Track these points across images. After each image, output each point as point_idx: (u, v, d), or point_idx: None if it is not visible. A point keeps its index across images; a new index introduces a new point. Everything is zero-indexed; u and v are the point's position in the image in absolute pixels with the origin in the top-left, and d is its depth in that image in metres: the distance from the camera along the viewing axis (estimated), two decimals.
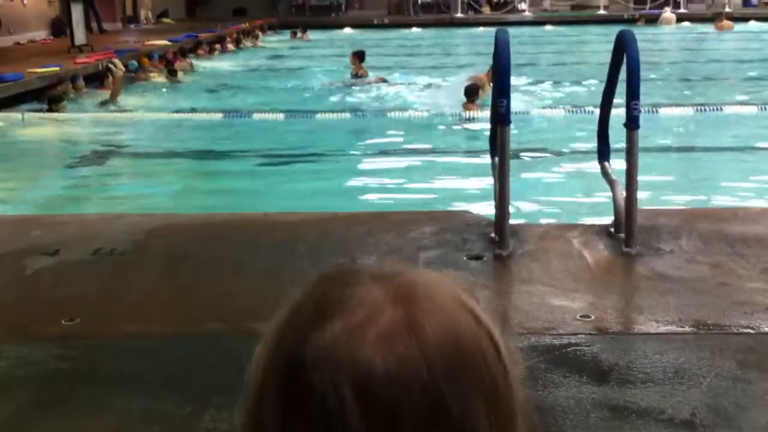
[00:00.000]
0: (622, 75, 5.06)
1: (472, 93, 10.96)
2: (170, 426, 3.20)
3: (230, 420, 2.92)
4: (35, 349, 3.94)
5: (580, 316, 4.08)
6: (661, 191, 7.08)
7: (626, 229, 4.98)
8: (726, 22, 26.29)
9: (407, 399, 0.67)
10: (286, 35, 27.61)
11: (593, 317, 4.07)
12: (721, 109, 10.62)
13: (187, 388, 3.47)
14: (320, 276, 0.76)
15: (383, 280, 0.72)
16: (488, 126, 5.49)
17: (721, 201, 6.93)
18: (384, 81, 14.15)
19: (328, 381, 0.68)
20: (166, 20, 30.24)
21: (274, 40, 27.19)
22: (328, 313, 0.71)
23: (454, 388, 0.68)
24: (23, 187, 8.24)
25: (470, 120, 10.30)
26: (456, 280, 0.75)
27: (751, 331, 3.91)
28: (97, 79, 13.66)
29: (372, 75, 14.50)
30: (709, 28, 26.45)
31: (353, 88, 13.94)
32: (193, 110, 11.29)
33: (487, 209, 5.38)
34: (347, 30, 29.52)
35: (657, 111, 10.41)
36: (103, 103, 12.41)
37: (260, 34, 27.00)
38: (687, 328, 3.94)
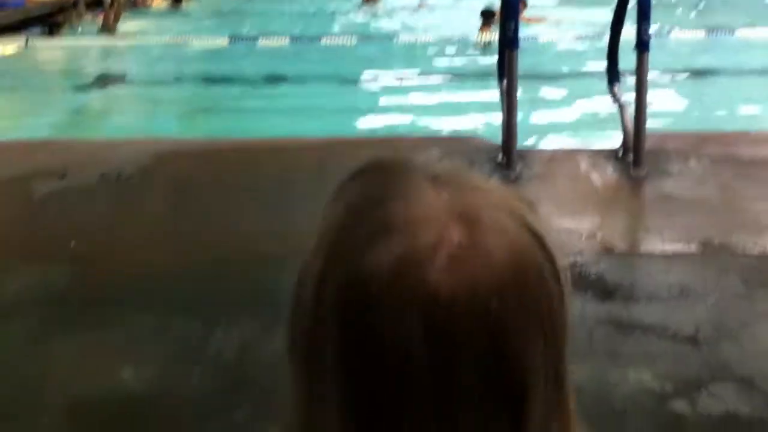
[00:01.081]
0: None
1: (488, 16, 10.78)
2: (180, 345, 3.25)
3: (239, 338, 2.97)
4: (45, 272, 3.98)
5: (587, 237, 4.09)
6: (670, 115, 7.03)
7: (634, 152, 4.96)
8: None
9: (474, 333, 0.63)
10: None
11: (599, 238, 4.08)
12: (733, 32, 10.46)
13: (197, 310, 3.51)
14: (371, 167, 0.70)
15: (446, 188, 0.67)
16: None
17: (731, 125, 6.88)
18: (421, 6, 13.82)
19: (397, 305, 0.63)
20: None
21: None
22: (392, 225, 0.65)
23: (522, 319, 0.64)
24: (28, 112, 8.23)
25: (485, 45, 10.16)
26: (518, 194, 0.70)
27: (757, 252, 3.92)
28: (99, 5, 13.50)
29: None
30: None
31: (361, 12, 13.75)
32: (197, 35, 11.16)
33: (495, 134, 5.36)
34: None
35: (668, 34, 10.26)
36: (105, 29, 12.29)
37: None
38: (693, 248, 3.95)
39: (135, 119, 7.86)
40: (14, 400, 2.96)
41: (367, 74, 9.16)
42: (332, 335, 0.65)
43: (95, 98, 8.93)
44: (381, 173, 0.70)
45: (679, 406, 2.76)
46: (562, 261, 0.68)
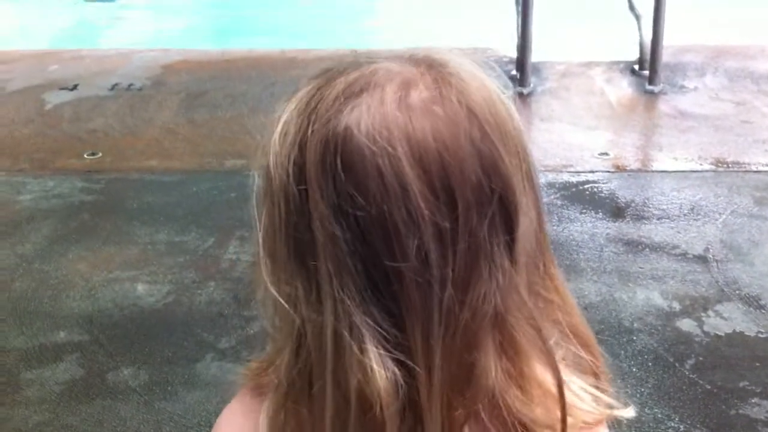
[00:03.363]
0: None
1: None
2: (195, 257, 3.29)
3: (252, 251, 2.98)
4: (59, 182, 4.00)
5: (599, 154, 4.08)
6: (688, 26, 6.88)
7: (650, 66, 4.88)
8: None
9: (462, 160, 0.66)
10: None
11: (612, 155, 4.06)
12: None
13: (210, 221, 3.55)
14: (327, 67, 0.72)
15: (405, 57, 0.71)
16: None
17: (749, 38, 6.74)
18: None
19: (381, 146, 0.65)
20: None
21: None
22: (361, 83, 0.68)
23: (502, 146, 0.68)
24: (36, 21, 8.13)
25: None
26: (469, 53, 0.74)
27: None
28: None
29: None
30: None
31: None
32: None
33: (509, 46, 5.27)
34: None
35: None
36: None
37: None
38: (706, 166, 3.93)
39: (145, 26, 7.76)
40: (36, 299, 3.02)
41: None
42: (320, 192, 0.67)
43: (104, 6, 8.80)
44: (344, 61, 0.72)
45: (687, 324, 2.79)
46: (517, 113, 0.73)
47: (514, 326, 0.69)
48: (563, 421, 0.70)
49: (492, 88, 0.70)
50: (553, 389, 0.71)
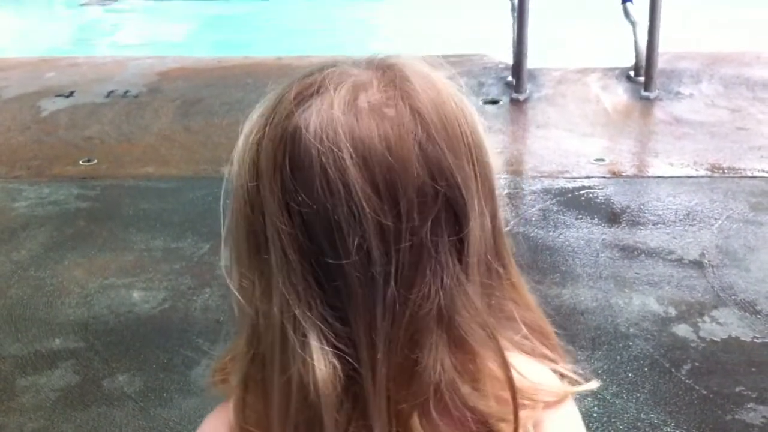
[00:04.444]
0: None
1: None
2: (190, 263, 3.28)
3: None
4: (55, 189, 4.00)
5: (595, 160, 4.08)
6: (684, 34, 6.90)
7: (646, 72, 4.90)
8: None
9: (405, 161, 0.68)
10: None
11: (607, 161, 4.07)
12: None
13: (206, 228, 3.54)
14: (305, 68, 0.75)
15: (363, 62, 0.73)
16: None
17: (744, 44, 6.76)
18: None
19: (327, 146, 0.67)
20: None
21: None
22: (315, 87, 0.70)
23: (449, 150, 0.69)
24: (32, 29, 8.13)
25: None
26: (428, 57, 0.76)
27: (766, 175, 3.90)
28: None
29: None
30: None
31: None
32: None
33: (505, 53, 5.28)
34: None
35: None
36: None
37: None
38: (701, 172, 3.94)
39: (141, 33, 7.77)
40: (31, 306, 3.01)
41: None
42: (270, 190, 0.70)
43: (99, 14, 8.81)
44: (312, 69, 0.74)
45: (682, 330, 2.79)
46: (475, 115, 0.74)
47: (461, 325, 0.71)
48: (515, 410, 0.72)
49: (444, 91, 0.72)
50: (505, 381, 0.72)
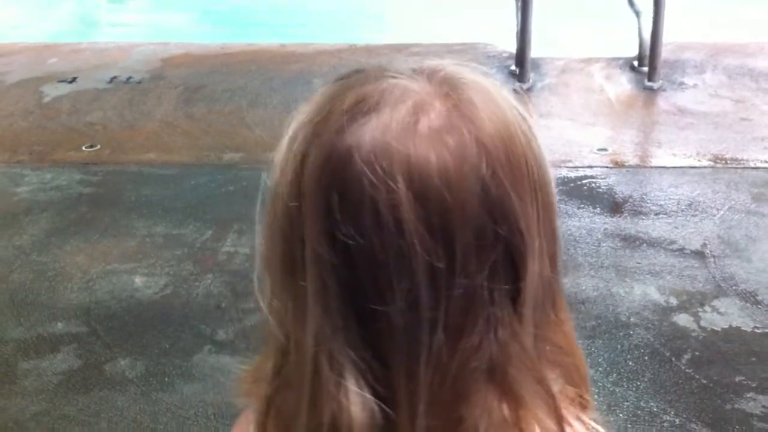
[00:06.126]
0: None
1: None
2: (192, 250, 3.29)
3: (249, 244, 2.99)
4: (57, 174, 4.00)
5: (597, 150, 4.08)
6: (688, 23, 6.88)
7: (650, 62, 4.88)
8: None
9: (465, 200, 0.62)
10: None
11: (610, 150, 4.07)
12: None
13: (208, 214, 3.55)
14: (349, 71, 0.68)
15: (424, 72, 0.66)
16: None
17: (749, 35, 6.74)
18: None
19: (381, 177, 0.61)
20: None
21: None
22: (371, 101, 0.64)
23: (512, 186, 0.63)
24: (35, 14, 8.12)
25: None
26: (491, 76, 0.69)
27: None
28: None
29: None
30: None
31: None
32: None
33: (508, 42, 5.27)
34: None
35: None
36: None
37: None
38: (704, 162, 3.93)
39: (144, 19, 7.76)
40: (33, 290, 3.02)
41: None
42: (314, 214, 0.63)
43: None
44: (355, 70, 0.69)
45: (683, 319, 2.79)
46: (542, 147, 0.68)
47: (515, 377, 0.65)
48: None
49: (512, 120, 0.65)
50: None
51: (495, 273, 0.64)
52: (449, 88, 0.65)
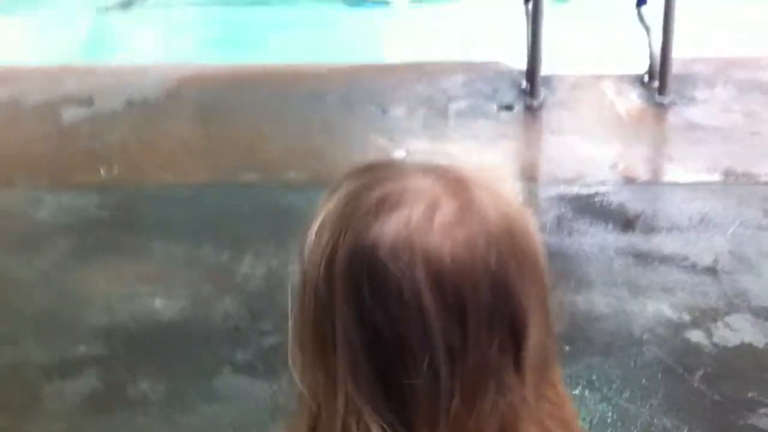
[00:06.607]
0: None
1: None
2: (210, 271, 3.34)
3: (267, 264, 3.04)
4: (75, 198, 4.07)
5: (609, 166, 4.11)
6: (698, 38, 6.92)
7: (660, 77, 4.92)
8: None
9: (476, 284, 0.72)
10: None
11: (622, 166, 4.10)
12: None
13: (225, 235, 3.60)
14: (364, 166, 0.79)
15: (434, 172, 0.77)
16: None
17: (760, 48, 6.76)
18: None
19: (404, 266, 0.71)
20: None
21: None
22: (392, 202, 0.74)
23: (516, 271, 0.74)
24: (47, 35, 8.23)
25: None
26: (493, 169, 0.81)
27: None
28: None
29: None
30: None
31: None
32: None
33: (519, 59, 5.32)
34: None
35: None
36: None
37: None
38: (715, 177, 3.96)
39: (158, 41, 7.85)
40: (55, 313, 3.08)
41: None
42: (346, 302, 0.73)
43: (116, 21, 8.90)
44: (373, 167, 0.79)
45: (696, 336, 2.83)
46: (538, 234, 0.79)
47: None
48: None
49: (513, 215, 0.76)
50: None
51: (502, 345, 0.74)
52: (458, 187, 0.76)
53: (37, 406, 2.66)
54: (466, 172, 0.78)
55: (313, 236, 0.76)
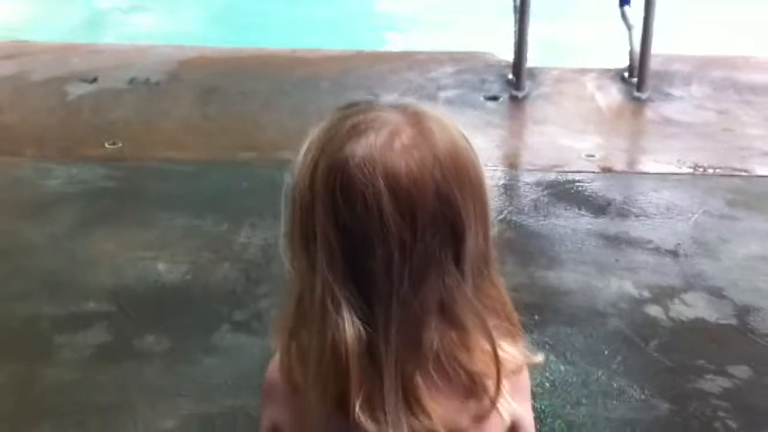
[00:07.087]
0: None
1: None
2: (210, 240, 3.59)
3: (263, 236, 3.31)
4: (83, 169, 4.30)
5: (586, 156, 4.37)
6: (678, 36, 7.15)
7: (639, 74, 5.17)
8: None
9: (424, 193, 0.93)
10: None
11: (598, 157, 4.36)
12: None
13: (224, 209, 3.84)
14: (346, 105, 1.01)
15: (399, 107, 1.00)
16: None
17: (736, 47, 7.01)
18: None
19: (368, 178, 0.93)
20: None
21: None
22: (362, 128, 0.96)
23: (456, 186, 0.95)
24: (53, 14, 8.41)
25: None
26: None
27: (745, 174, 4.20)
28: None
29: None
30: None
31: None
32: None
33: (507, 52, 5.56)
34: None
35: None
36: None
37: None
38: (684, 169, 4.23)
39: (160, 23, 8.03)
40: (65, 273, 3.32)
41: None
42: (323, 204, 0.96)
43: (119, 2, 9.07)
44: (352, 104, 1.03)
45: (654, 310, 3.10)
46: (480, 162, 1.01)
47: (459, 312, 0.98)
48: (498, 372, 1.01)
49: (459, 143, 0.98)
50: (490, 352, 1.01)
51: (444, 242, 0.96)
52: (416, 120, 0.98)
53: (51, 355, 2.90)
54: (425, 109, 1.01)
55: (301, 155, 0.98)
